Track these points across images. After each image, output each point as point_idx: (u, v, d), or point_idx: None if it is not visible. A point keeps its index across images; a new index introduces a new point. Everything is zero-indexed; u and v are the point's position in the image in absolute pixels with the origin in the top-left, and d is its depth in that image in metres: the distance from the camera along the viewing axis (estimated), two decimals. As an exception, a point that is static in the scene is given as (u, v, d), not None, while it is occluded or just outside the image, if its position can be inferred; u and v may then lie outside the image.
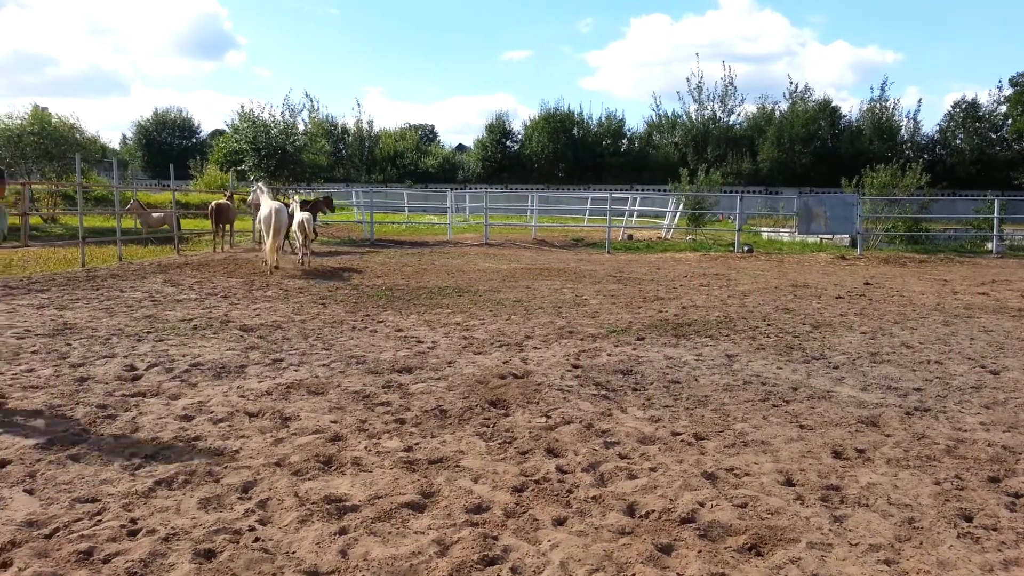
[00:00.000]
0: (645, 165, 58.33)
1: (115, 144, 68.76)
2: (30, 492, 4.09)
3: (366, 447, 4.96)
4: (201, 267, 16.28)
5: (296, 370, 7.02)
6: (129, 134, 71.02)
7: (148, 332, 8.68)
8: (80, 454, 4.70)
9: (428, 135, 75.36)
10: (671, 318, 10.43)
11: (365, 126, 63.56)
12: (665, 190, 37.27)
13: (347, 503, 4.07)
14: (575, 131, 59.89)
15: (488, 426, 5.47)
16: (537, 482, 4.40)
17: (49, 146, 29.90)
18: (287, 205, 17.51)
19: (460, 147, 77.31)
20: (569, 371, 7.24)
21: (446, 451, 4.91)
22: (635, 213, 32.71)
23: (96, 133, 42.42)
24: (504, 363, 7.48)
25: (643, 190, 44.12)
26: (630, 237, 27.95)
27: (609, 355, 7.99)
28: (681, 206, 29.52)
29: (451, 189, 34.28)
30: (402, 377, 6.85)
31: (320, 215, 21.39)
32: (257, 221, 17.36)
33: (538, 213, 29.97)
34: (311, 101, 59.72)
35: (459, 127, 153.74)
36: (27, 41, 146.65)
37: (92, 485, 4.23)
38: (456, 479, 4.45)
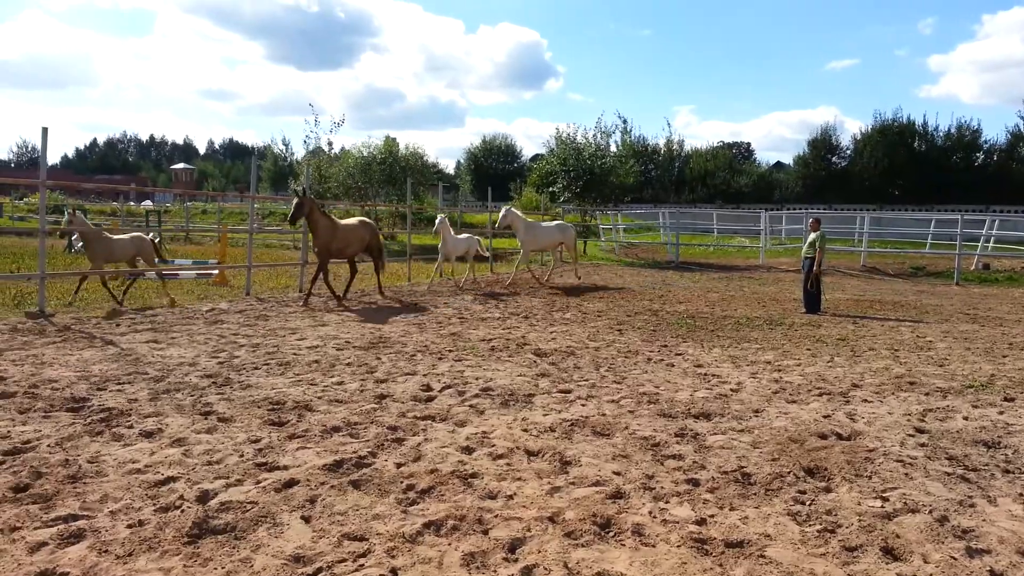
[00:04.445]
0: (1006, 182, 49.79)
1: (450, 170, 76.39)
2: (306, 520, 4.03)
3: (651, 512, 4.24)
4: (509, 285, 16.83)
5: (583, 404, 6.53)
6: (462, 160, 78.43)
7: (450, 351, 8.85)
8: (361, 480, 4.62)
9: (743, 153, 72.39)
10: (1053, 374, 8.21)
11: (675, 146, 62.85)
12: (1032, 210, 31.21)
13: (621, 588, 3.39)
14: (916, 144, 53.21)
15: (803, 503, 4.44)
16: (871, 598, 3.33)
17: (395, 172, 33.69)
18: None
19: (778, 164, 73.20)
20: (911, 436, 5.84)
21: (748, 532, 4.01)
22: (992, 238, 27.77)
23: (435, 160, 47.33)
24: (825, 417, 6.27)
25: (1002, 211, 37.56)
26: (986, 267, 23.76)
27: (966, 419, 6.36)
28: (1056, 230, 24.38)
29: (765, 210, 32.13)
30: (699, 424, 6.01)
31: None
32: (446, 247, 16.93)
33: (868, 236, 26.79)
34: (623, 122, 60.63)
35: (775, 143, 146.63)
36: (380, 79, 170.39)
37: (364, 520, 4.06)
38: (758, 574, 3.54)
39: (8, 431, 5.24)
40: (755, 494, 4.56)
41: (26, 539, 3.63)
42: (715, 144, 67.69)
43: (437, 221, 16.32)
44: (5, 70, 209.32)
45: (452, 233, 16.36)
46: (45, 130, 10.59)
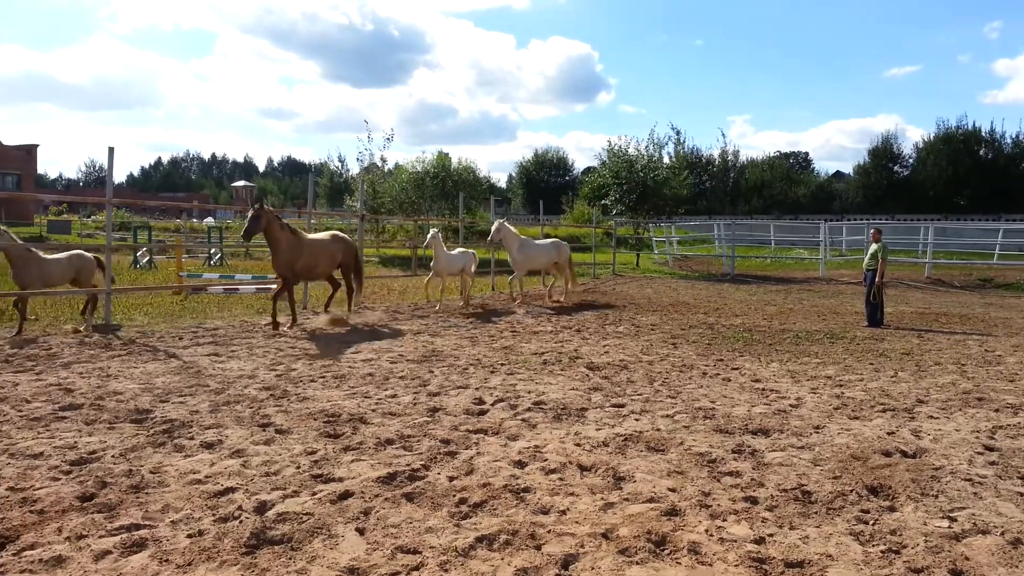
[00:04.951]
0: (1080, 189, 47.79)
1: (502, 183, 76.82)
2: (361, 532, 4.05)
3: (707, 530, 4.15)
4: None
5: (637, 419, 6.45)
6: (514, 174, 78.80)
7: (502, 364, 8.85)
8: (415, 493, 4.63)
9: (801, 163, 70.97)
10: None
11: (730, 156, 62.06)
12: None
13: (677, 608, 3.32)
14: (982, 152, 51.44)
15: (866, 522, 4.29)
16: (940, 625, 3.19)
17: (447, 187, 34.04)
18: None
19: (837, 174, 71.55)
20: (980, 454, 5.60)
21: (808, 552, 3.88)
22: (1065, 247, 26.65)
23: (487, 174, 47.80)
24: (889, 434, 6.07)
25: (1076, 219, 36.00)
26: (1059, 277, 22.74)
27: (1041, 437, 6.07)
28: None
29: (824, 221, 31.41)
30: (757, 440, 5.87)
31: None
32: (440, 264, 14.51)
33: (932, 247, 25.95)
34: (676, 134, 60.17)
35: (834, 152, 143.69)
36: (433, 95, 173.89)
37: (417, 533, 4.06)
38: (821, 597, 3.43)
39: (75, 441, 5.42)
40: (816, 513, 4.42)
41: (91, 547, 3.74)
42: (772, 154, 66.58)
43: (429, 235, 14.36)
44: (75, 93, 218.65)
45: (445, 248, 14.70)
46: (111, 150, 11.02)
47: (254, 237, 11.32)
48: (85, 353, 8.84)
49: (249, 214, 11.13)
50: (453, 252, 15.14)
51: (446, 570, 3.65)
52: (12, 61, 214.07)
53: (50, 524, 4.01)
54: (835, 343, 10.92)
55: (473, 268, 15.13)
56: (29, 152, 61.95)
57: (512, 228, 15.85)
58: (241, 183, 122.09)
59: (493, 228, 15.55)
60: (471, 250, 15.85)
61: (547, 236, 23.02)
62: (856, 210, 53.83)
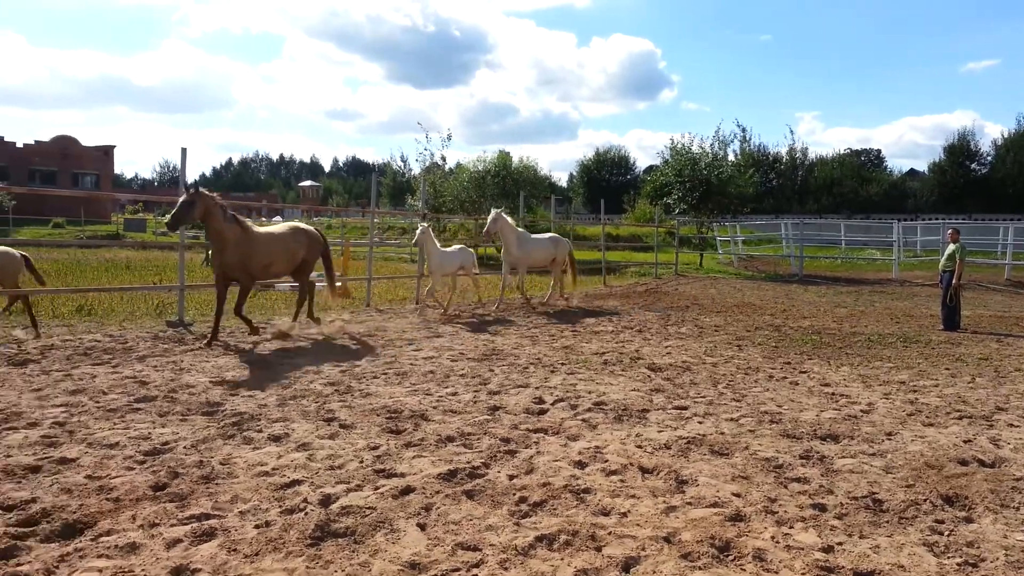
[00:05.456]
0: None
1: (563, 182, 76.67)
2: (422, 527, 4.09)
3: (773, 536, 4.04)
4: (623, 298, 16.63)
5: (700, 422, 6.33)
6: (575, 173, 78.58)
7: (562, 363, 8.81)
8: (475, 490, 4.64)
9: (873, 160, 68.73)
10: None
11: (798, 154, 60.52)
12: None
13: (741, 616, 3.25)
14: (1068, 148, 49.00)
15: (941, 533, 4.12)
16: (1023, 644, 3.04)
17: (508, 185, 34.16)
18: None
19: (912, 172, 69.15)
20: (1066, 465, 5.32)
21: (879, 562, 3.75)
22: None
23: (548, 173, 47.89)
24: (965, 442, 5.82)
25: None
26: None
27: None
28: None
29: (898, 220, 30.36)
30: (825, 446, 5.70)
31: None
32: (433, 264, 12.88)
33: (1012, 248, 24.81)
34: (742, 131, 59.02)
35: (908, 149, 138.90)
36: (494, 95, 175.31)
37: (477, 530, 4.07)
38: (893, 610, 3.30)
39: (149, 432, 5.61)
40: (887, 522, 4.27)
41: (163, 535, 3.86)
42: (842, 151, 64.72)
43: (418, 231, 12.81)
44: (149, 96, 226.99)
45: (439, 246, 13.00)
46: (184, 150, 11.38)
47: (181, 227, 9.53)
48: (159, 347, 9.16)
49: (180, 199, 9.16)
50: (449, 249, 13.60)
51: (506, 568, 3.65)
52: (89, 65, 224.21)
53: (125, 512, 4.16)
54: (909, 347, 10.54)
55: (474, 267, 14.04)
56: (106, 153, 64.56)
57: (510, 220, 14.47)
58: (307, 183, 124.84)
59: (490, 219, 14.02)
60: (469, 248, 14.63)
61: (608, 236, 22.84)
62: (931, 209, 51.86)
